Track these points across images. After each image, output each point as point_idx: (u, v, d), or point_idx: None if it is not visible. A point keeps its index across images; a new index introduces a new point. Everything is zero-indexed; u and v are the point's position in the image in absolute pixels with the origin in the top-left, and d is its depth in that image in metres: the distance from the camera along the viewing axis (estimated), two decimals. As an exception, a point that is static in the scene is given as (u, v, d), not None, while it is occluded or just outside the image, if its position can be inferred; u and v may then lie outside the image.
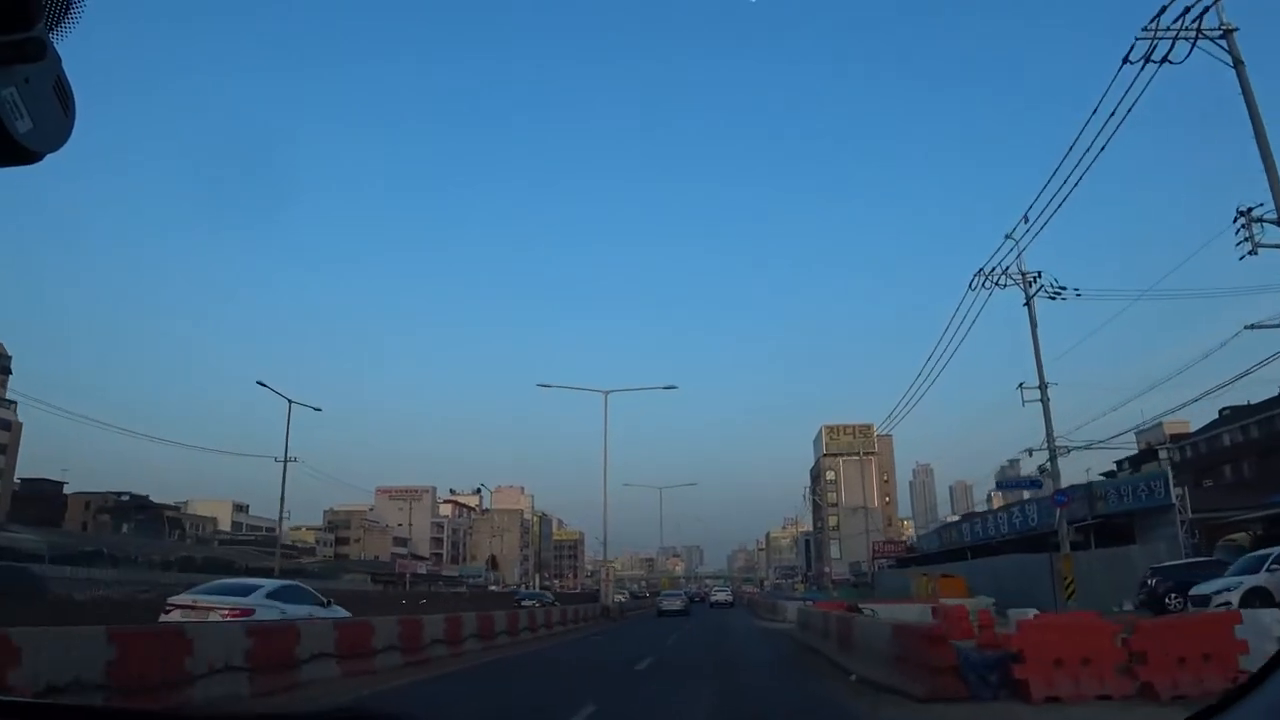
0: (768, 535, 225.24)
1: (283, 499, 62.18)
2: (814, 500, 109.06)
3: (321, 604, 16.45)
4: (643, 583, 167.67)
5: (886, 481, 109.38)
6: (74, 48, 1.54)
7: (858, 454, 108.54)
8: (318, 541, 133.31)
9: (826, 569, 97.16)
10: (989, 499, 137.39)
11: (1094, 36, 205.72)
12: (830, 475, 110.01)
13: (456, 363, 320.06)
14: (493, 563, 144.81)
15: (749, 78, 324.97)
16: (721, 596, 71.11)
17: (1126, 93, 17.51)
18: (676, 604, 48.54)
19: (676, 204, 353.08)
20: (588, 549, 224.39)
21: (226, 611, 14.14)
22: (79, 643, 8.67)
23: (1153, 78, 17.16)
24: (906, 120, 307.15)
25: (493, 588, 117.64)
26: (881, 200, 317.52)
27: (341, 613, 16.53)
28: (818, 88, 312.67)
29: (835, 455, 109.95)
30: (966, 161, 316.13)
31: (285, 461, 61.93)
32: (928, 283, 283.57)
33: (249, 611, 14.35)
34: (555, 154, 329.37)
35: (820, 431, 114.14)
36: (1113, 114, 17.73)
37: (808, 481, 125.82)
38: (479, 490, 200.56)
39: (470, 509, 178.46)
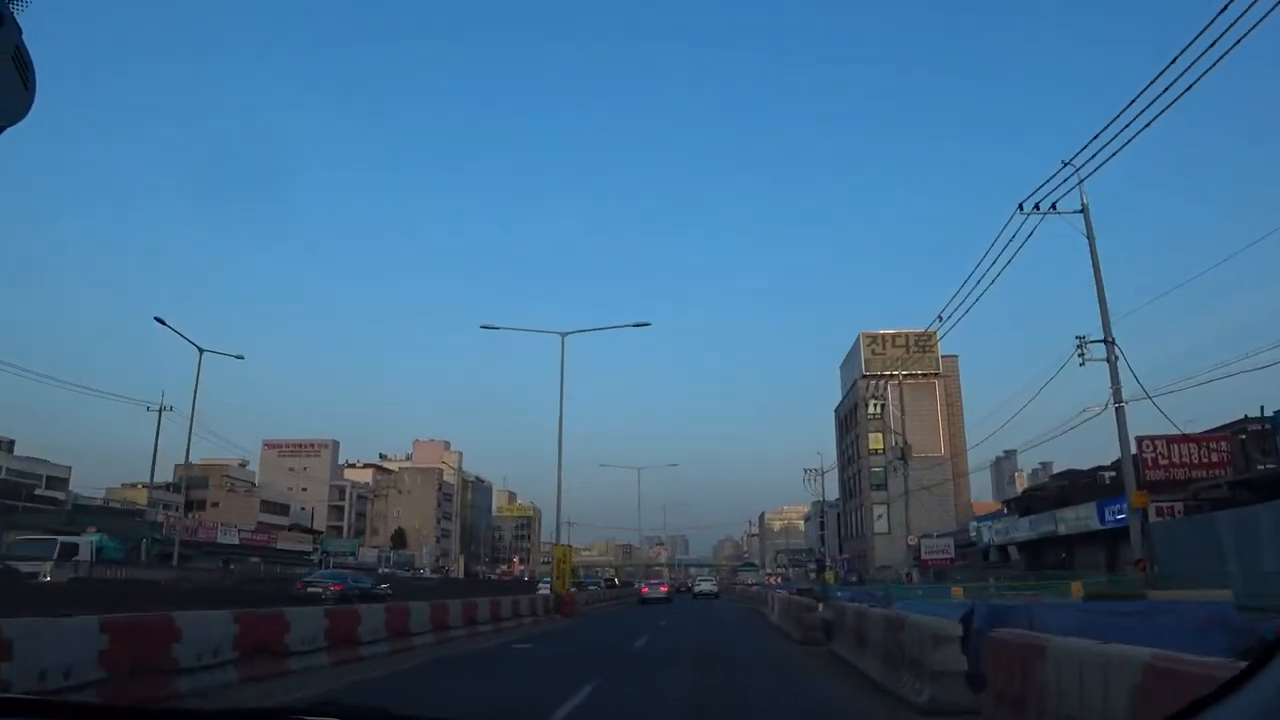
0: (762, 516, 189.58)
1: None
2: (870, 418, 71.50)
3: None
4: (610, 569, 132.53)
5: (954, 418, 72.84)
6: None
7: (915, 375, 72.59)
8: (152, 504, 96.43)
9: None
10: (1011, 479, 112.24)
11: None
12: (873, 408, 72.74)
13: (403, 318, 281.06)
14: (400, 538, 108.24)
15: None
16: (706, 587, 65.06)
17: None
18: (660, 592, 51.61)
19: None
20: (544, 529, 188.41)
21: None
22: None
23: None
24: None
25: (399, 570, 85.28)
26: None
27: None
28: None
29: (880, 377, 72.50)
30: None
31: None
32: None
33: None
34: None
35: (857, 342, 76.62)
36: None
37: (818, 456, 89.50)
38: (410, 456, 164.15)
39: (392, 473, 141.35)
